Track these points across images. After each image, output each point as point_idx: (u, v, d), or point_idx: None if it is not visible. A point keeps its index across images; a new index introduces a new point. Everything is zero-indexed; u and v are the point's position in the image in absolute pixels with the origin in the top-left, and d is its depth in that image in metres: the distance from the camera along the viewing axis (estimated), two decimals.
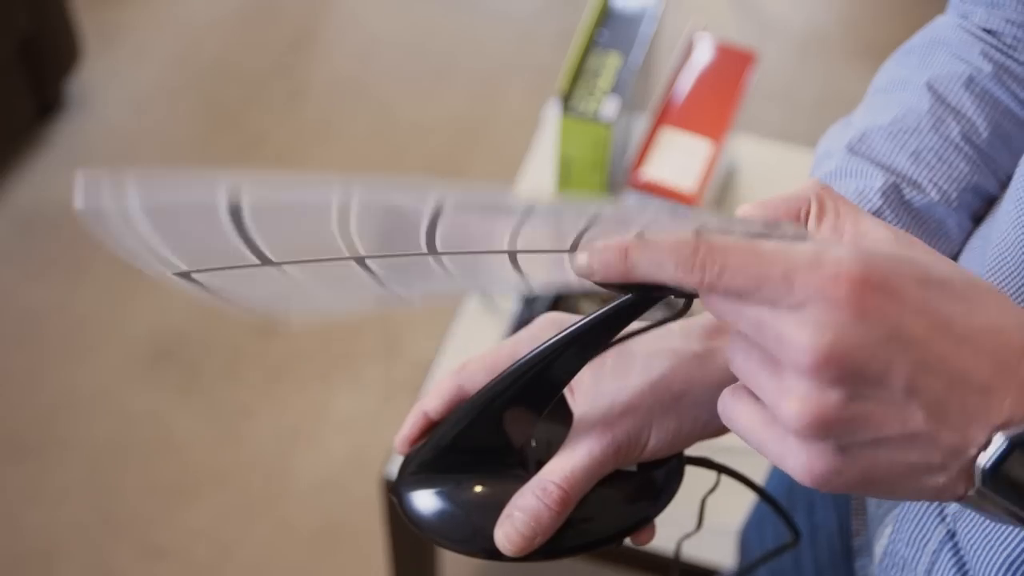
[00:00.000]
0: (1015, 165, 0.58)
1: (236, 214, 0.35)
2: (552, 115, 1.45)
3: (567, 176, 1.30)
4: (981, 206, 0.58)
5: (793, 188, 0.44)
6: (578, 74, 1.26)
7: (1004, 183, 0.58)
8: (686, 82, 1.31)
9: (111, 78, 2.17)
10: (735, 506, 0.90)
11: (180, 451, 1.71)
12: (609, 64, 1.27)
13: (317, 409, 1.75)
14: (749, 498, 0.57)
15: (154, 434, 1.73)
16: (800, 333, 0.35)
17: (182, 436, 1.72)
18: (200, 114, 2.15)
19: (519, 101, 2.18)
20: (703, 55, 1.34)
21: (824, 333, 0.35)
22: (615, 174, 1.32)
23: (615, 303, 0.45)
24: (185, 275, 0.39)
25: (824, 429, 0.36)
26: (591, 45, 1.28)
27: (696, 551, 1.08)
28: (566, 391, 0.50)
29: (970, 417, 0.36)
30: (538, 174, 1.42)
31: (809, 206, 0.43)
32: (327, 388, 1.77)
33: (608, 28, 1.30)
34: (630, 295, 0.44)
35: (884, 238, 0.41)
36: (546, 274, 0.45)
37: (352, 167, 2.06)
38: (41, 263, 1.92)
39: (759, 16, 2.54)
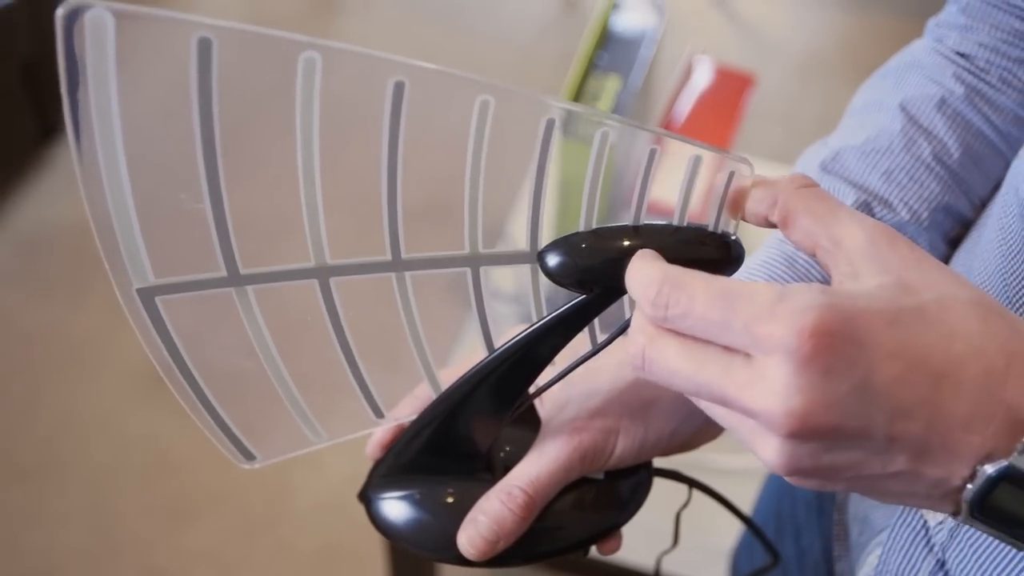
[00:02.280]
0: (986, 187, 0.58)
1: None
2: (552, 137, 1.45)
3: (567, 198, 1.30)
4: (953, 227, 0.58)
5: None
6: (578, 97, 1.26)
7: (976, 205, 0.58)
8: (685, 104, 1.31)
9: None
10: (725, 526, 0.90)
11: (179, 473, 1.70)
12: (609, 87, 1.27)
13: None
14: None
15: (153, 456, 1.72)
16: (766, 400, 0.33)
17: (181, 458, 1.72)
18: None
19: (519, 123, 2.18)
20: (702, 77, 1.35)
21: (792, 397, 0.33)
22: (616, 195, 1.32)
23: (572, 303, 0.45)
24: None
25: (801, 472, 0.35)
26: (591, 68, 1.29)
27: (686, 571, 1.08)
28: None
29: (953, 453, 0.34)
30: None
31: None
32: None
33: (608, 51, 1.30)
34: (586, 295, 0.44)
35: (860, 248, 0.37)
36: None
37: (352, 187, 2.06)
38: (41, 285, 1.92)
39: (759, 39, 2.55)
